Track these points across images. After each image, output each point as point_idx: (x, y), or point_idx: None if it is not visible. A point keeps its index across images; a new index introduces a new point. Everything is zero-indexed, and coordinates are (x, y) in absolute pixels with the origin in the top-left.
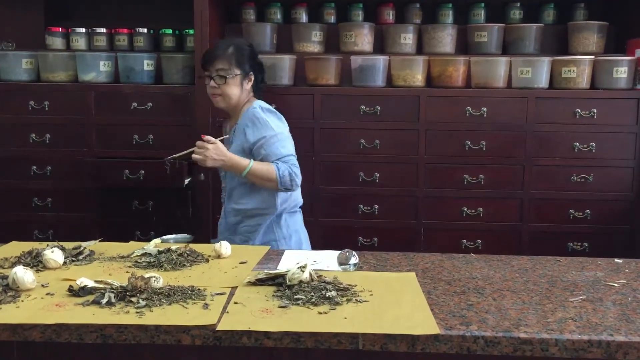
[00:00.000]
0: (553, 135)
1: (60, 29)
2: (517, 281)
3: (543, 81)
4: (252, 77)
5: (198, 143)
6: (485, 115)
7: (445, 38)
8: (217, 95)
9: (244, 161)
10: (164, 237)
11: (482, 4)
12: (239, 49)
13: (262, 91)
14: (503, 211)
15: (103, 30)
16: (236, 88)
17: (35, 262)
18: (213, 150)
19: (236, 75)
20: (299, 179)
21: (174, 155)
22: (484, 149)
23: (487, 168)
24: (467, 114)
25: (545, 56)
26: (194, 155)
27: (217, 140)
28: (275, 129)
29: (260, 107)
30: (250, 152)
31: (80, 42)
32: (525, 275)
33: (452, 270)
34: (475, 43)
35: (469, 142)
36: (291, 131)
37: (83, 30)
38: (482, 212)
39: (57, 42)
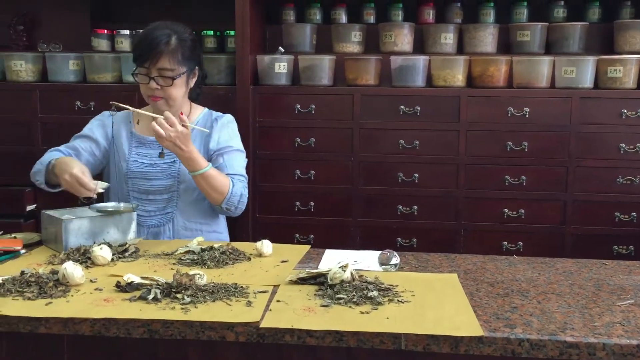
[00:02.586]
0: (598, 136)
1: (105, 30)
2: (562, 284)
3: (588, 81)
4: (197, 72)
5: (169, 115)
6: (527, 116)
7: (487, 37)
8: (158, 98)
9: (203, 161)
10: (98, 205)
11: (525, 3)
12: (183, 40)
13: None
14: (545, 213)
15: None
16: (181, 89)
17: (84, 258)
18: (180, 135)
19: (182, 74)
20: (244, 206)
21: (134, 109)
22: (526, 149)
23: (529, 169)
24: (509, 114)
25: (590, 55)
26: (155, 126)
27: (190, 127)
28: (241, 148)
29: (234, 120)
30: (207, 155)
31: (124, 44)
32: (570, 279)
33: (495, 272)
34: (518, 42)
35: (510, 143)
36: (330, 131)
37: (127, 32)
38: (523, 214)
39: (102, 43)
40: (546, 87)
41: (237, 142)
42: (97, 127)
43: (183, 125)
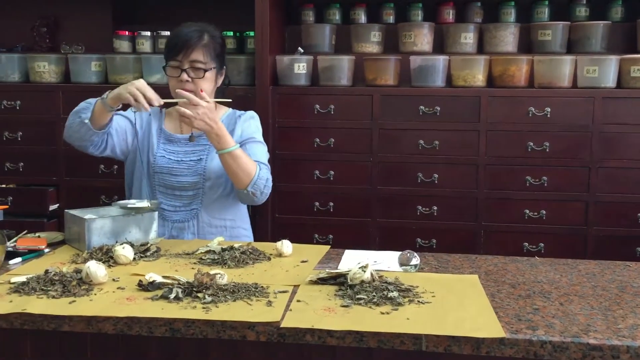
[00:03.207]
0: (621, 136)
1: (126, 32)
2: (584, 286)
3: (610, 80)
4: (224, 72)
5: (189, 96)
6: (549, 116)
7: (507, 37)
8: (188, 92)
9: (231, 139)
10: (121, 202)
11: (546, 2)
12: (214, 38)
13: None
14: (567, 214)
15: (167, 33)
16: (211, 84)
17: (107, 257)
18: (207, 111)
19: (213, 69)
20: (269, 191)
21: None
22: (548, 150)
23: (550, 170)
24: (530, 115)
25: (612, 55)
26: (181, 109)
27: (212, 102)
28: (263, 142)
29: (257, 116)
30: None
31: (145, 45)
32: (593, 280)
33: (516, 273)
34: (539, 42)
35: (531, 143)
36: (349, 131)
37: (148, 33)
38: (544, 215)
39: (124, 45)
40: (568, 87)
41: (259, 136)
42: (135, 113)
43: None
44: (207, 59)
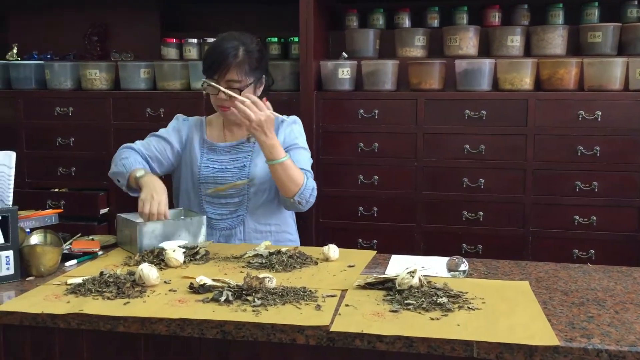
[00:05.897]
0: None
1: (174, 40)
2: None
3: None
4: (264, 81)
5: (256, 100)
6: (599, 119)
7: (556, 39)
8: (227, 108)
9: (282, 150)
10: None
11: (596, 3)
12: (250, 52)
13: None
14: (619, 220)
15: (213, 40)
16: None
17: (158, 260)
18: (269, 120)
19: (249, 85)
20: (314, 200)
21: (222, 88)
22: (598, 154)
23: (601, 174)
24: (580, 118)
25: None
26: (244, 110)
27: (275, 115)
28: (306, 147)
29: (299, 121)
30: None
31: (192, 52)
32: None
33: (569, 280)
34: (589, 44)
35: (581, 148)
36: (394, 136)
37: (195, 40)
38: (595, 221)
39: (171, 52)
40: (619, 90)
41: (302, 141)
42: (172, 131)
43: None
44: (242, 77)
